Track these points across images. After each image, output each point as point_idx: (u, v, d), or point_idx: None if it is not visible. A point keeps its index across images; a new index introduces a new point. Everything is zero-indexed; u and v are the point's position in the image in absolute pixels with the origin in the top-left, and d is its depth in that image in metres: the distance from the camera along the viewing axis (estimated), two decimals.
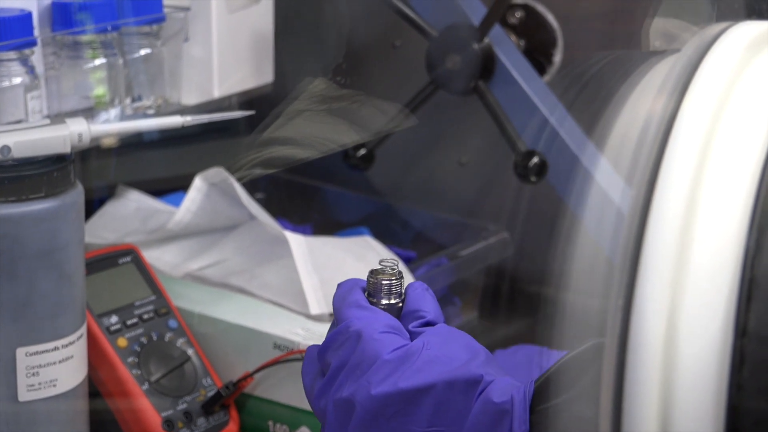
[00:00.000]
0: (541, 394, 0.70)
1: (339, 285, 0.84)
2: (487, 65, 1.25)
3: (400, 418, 0.73)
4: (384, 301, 0.82)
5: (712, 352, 0.53)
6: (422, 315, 0.80)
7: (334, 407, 0.76)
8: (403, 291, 0.82)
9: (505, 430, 0.71)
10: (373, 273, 0.82)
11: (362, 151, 1.35)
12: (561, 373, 0.69)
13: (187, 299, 1.14)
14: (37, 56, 1.07)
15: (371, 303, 0.81)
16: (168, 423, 1.04)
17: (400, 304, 0.82)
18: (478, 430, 0.72)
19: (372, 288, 0.82)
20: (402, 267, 0.92)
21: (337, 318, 0.81)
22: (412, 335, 0.80)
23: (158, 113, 1.19)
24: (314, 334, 1.08)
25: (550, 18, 1.34)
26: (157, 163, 1.37)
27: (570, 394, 0.67)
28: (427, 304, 0.81)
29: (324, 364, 0.80)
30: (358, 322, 0.78)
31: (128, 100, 1.17)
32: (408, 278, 0.91)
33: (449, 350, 0.75)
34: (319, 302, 1.12)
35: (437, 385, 0.73)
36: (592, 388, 0.56)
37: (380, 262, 0.82)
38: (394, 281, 0.82)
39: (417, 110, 1.28)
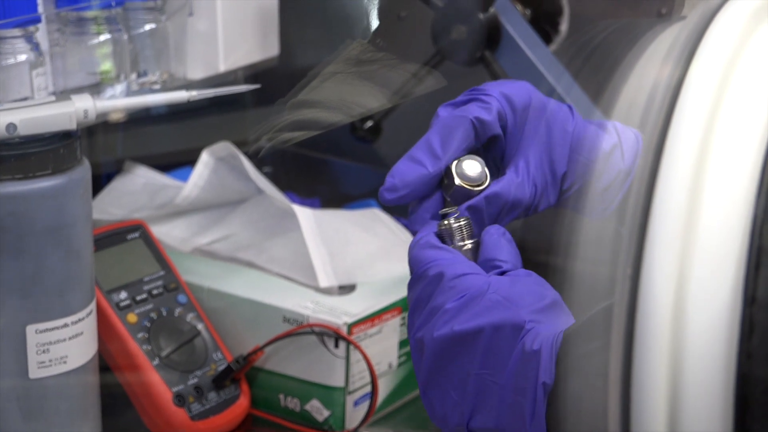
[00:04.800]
0: (568, 345, 0.70)
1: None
2: (493, 35, 1.24)
3: (460, 359, 0.74)
4: (458, 244, 0.80)
5: (721, 321, 0.53)
6: (498, 264, 0.78)
7: (415, 343, 0.77)
8: (472, 233, 0.81)
9: (533, 377, 0.71)
10: (443, 218, 0.80)
11: (369, 123, 1.35)
12: (589, 325, 0.68)
13: (196, 274, 1.14)
14: (41, 33, 1.06)
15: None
16: (179, 398, 1.04)
17: (471, 246, 0.80)
18: (515, 376, 0.72)
19: (443, 233, 0.80)
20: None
21: (413, 257, 0.80)
22: None
23: (164, 88, 1.19)
24: (323, 306, 1.08)
25: None
26: (164, 137, 1.36)
27: (591, 347, 0.66)
28: (503, 251, 0.79)
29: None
30: (436, 264, 0.77)
31: (134, 76, 1.17)
32: None
33: (511, 293, 0.75)
34: (328, 275, 1.12)
35: (486, 328, 0.73)
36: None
37: (440, 212, 0.81)
38: (463, 223, 0.80)
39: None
